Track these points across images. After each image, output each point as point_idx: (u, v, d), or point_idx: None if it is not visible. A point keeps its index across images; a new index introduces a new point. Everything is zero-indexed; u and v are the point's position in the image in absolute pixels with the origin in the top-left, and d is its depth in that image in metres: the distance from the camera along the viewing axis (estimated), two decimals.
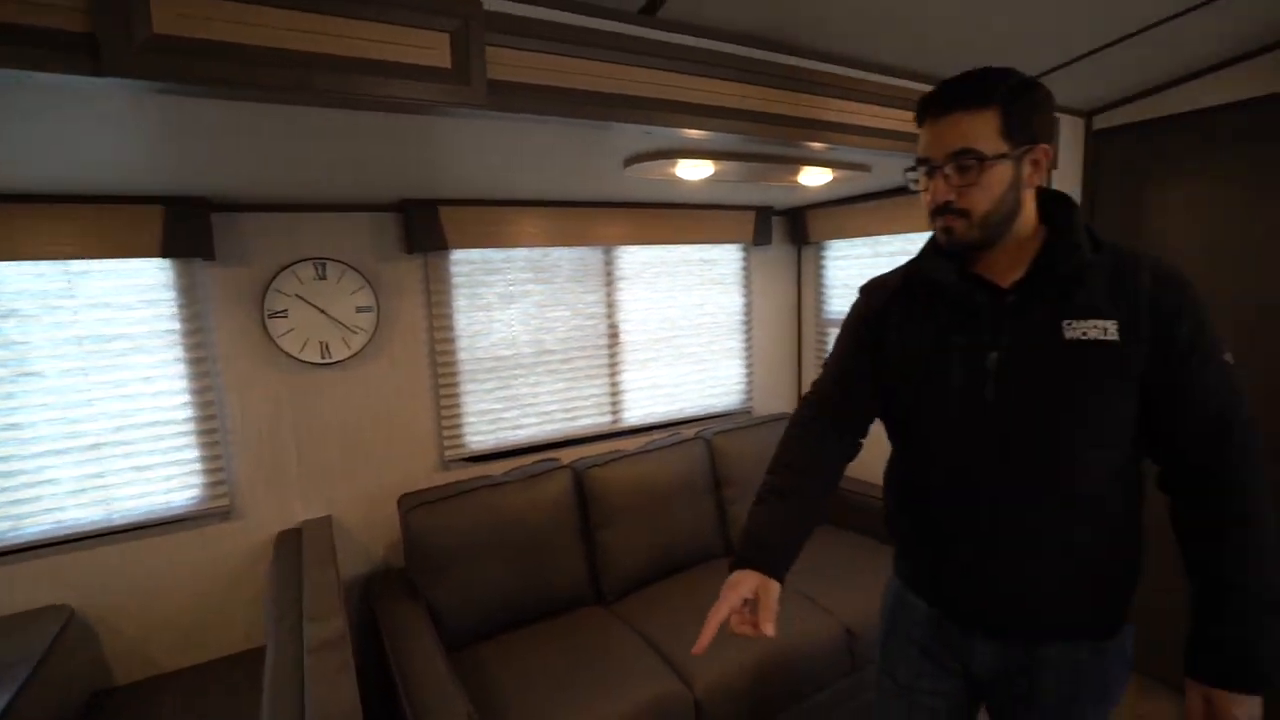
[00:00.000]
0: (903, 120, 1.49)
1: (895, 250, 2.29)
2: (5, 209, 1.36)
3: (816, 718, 1.69)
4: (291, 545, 1.67)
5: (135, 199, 1.48)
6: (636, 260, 2.27)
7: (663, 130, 1.25)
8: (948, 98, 0.83)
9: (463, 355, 1.97)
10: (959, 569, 0.92)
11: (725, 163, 1.57)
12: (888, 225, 2.20)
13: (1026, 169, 0.82)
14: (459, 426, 1.99)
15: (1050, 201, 0.89)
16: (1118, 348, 0.80)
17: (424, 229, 1.79)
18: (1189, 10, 1.42)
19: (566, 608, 1.84)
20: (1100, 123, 2.06)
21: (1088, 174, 2.10)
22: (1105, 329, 0.80)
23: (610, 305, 2.23)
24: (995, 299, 0.87)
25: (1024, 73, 0.83)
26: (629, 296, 2.26)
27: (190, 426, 1.65)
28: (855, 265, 2.46)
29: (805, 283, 2.68)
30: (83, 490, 1.55)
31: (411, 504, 1.73)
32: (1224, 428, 0.80)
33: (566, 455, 2.11)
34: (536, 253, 2.06)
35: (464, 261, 1.95)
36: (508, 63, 1.05)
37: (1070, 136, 2.01)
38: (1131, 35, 1.52)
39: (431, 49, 0.99)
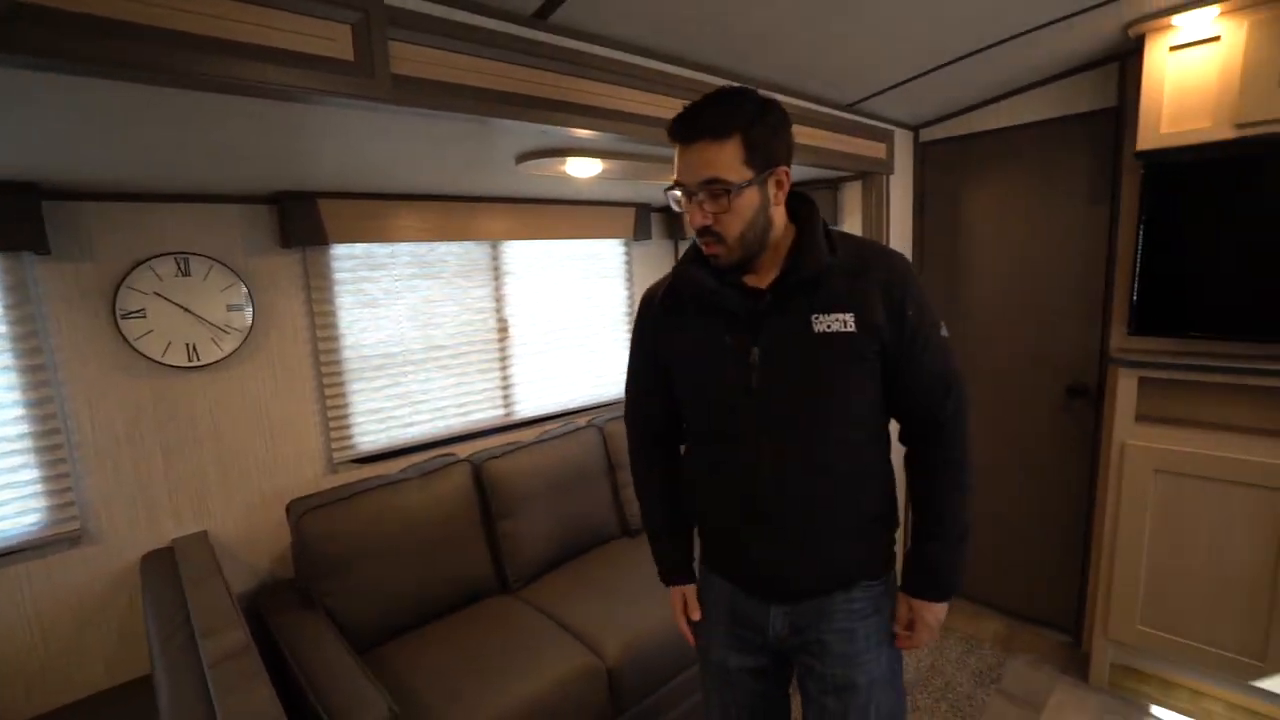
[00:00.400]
0: None
1: None
2: None
3: None
4: (164, 564, 1.53)
5: None
6: (524, 255, 2.30)
7: (557, 130, 1.31)
8: (693, 127, 0.89)
9: (348, 353, 1.90)
10: (743, 545, 1.03)
11: (614, 161, 1.66)
12: None
13: (771, 190, 0.92)
14: (347, 427, 1.92)
15: (799, 205, 0.99)
16: (856, 336, 0.92)
17: (301, 222, 1.71)
18: (998, 43, 1.73)
19: (473, 599, 1.86)
20: (925, 135, 2.41)
21: (917, 177, 2.44)
22: (845, 321, 0.92)
23: (499, 299, 2.24)
24: (754, 300, 0.96)
25: (761, 98, 0.91)
26: (517, 291, 2.29)
27: (27, 443, 1.46)
28: None
29: None
30: None
31: (301, 509, 1.65)
32: (944, 386, 0.97)
33: (461, 450, 2.10)
34: (422, 248, 2.03)
35: (346, 257, 1.88)
36: (410, 58, 1.07)
37: (903, 146, 2.34)
38: (949, 63, 1.82)
39: (332, 40, 0.98)
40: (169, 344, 1.60)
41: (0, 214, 1.33)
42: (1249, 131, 1.63)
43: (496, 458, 1.98)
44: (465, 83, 1.13)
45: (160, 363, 1.59)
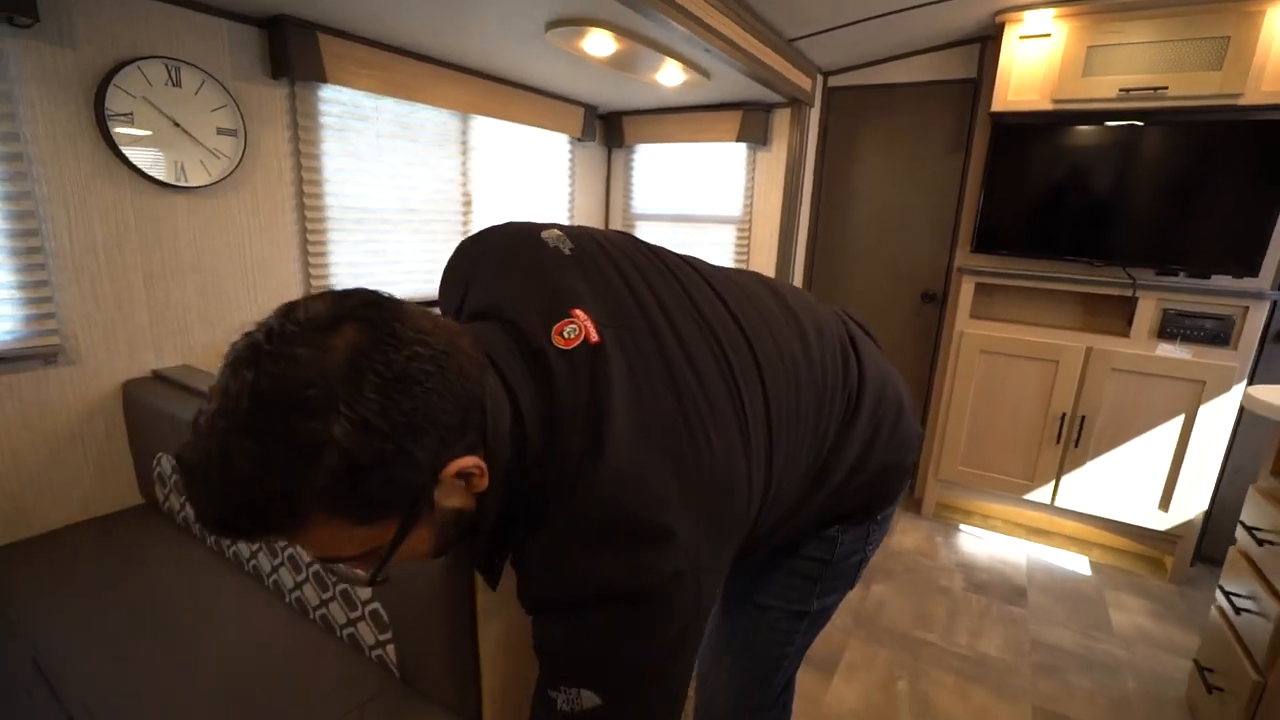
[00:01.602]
0: (729, 27, 1.92)
1: (696, 156, 2.84)
2: None
3: None
4: (146, 393, 1.46)
5: None
6: (487, 135, 2.36)
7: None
8: (218, 525, 0.45)
9: (330, 201, 1.87)
10: None
11: (629, 43, 1.84)
12: (694, 135, 2.72)
13: (448, 499, 0.52)
14: (326, 278, 1.90)
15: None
16: None
17: (299, 53, 1.65)
18: (907, 9, 2.19)
19: None
20: (833, 81, 2.87)
21: (822, 115, 2.91)
22: None
23: (465, 175, 2.30)
24: None
25: (335, 407, 0.43)
26: (480, 169, 2.35)
27: (1, 241, 1.30)
28: (657, 169, 2.95)
29: (614, 181, 3.07)
30: None
31: None
32: None
33: None
34: (404, 108, 2.02)
35: (334, 101, 1.83)
36: None
37: (816, 88, 2.78)
38: (869, 19, 2.25)
39: None
40: (157, 158, 1.49)
41: None
42: (1061, 106, 2.28)
43: None
44: None
45: (146, 175, 1.48)
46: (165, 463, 1.42)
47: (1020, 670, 1.83)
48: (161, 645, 1.08)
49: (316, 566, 1.09)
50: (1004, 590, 2.23)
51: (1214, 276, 2.21)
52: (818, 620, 0.91)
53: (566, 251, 0.64)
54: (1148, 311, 2.29)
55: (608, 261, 0.65)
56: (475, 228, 2.34)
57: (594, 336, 0.57)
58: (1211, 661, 1.58)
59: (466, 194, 2.31)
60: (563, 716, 0.55)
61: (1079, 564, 2.43)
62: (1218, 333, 2.20)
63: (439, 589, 0.89)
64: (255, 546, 1.23)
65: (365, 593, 1.01)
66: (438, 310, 0.70)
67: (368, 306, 0.47)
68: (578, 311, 0.58)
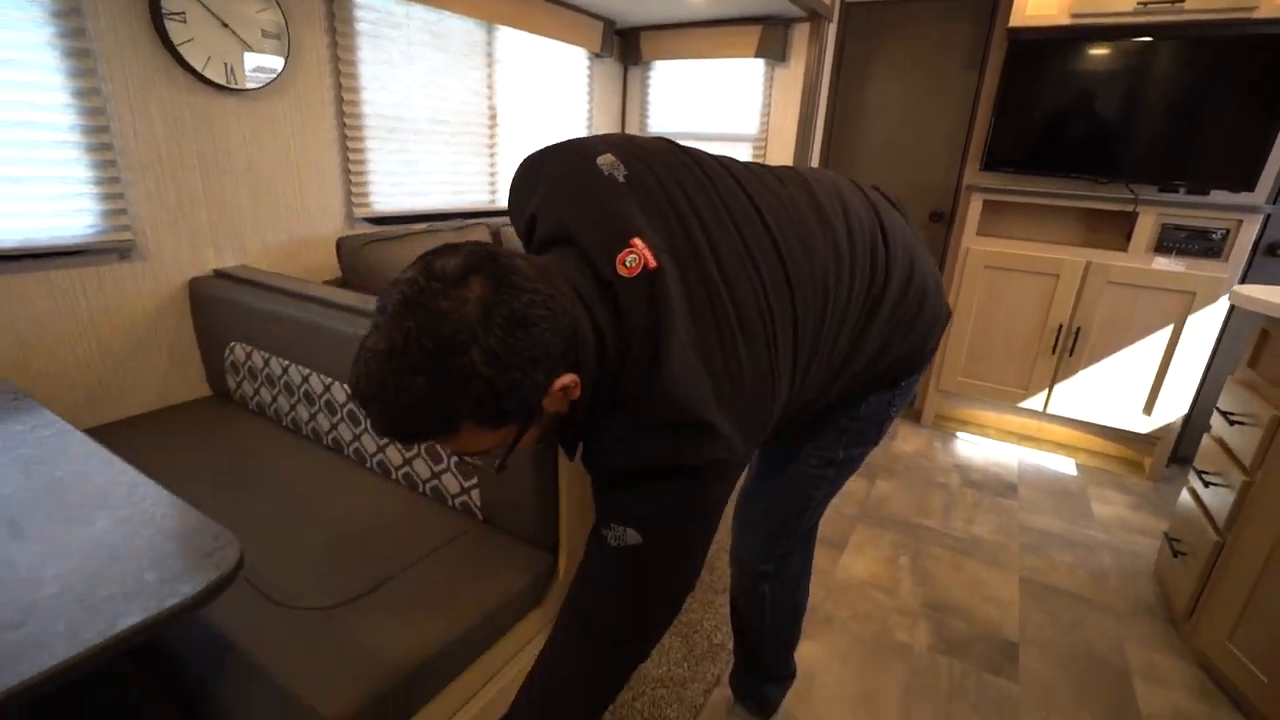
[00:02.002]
0: None
1: (713, 73, 2.85)
2: None
3: None
4: (215, 286, 1.56)
5: None
6: (511, 47, 2.37)
7: None
8: (391, 433, 0.59)
9: (366, 109, 1.92)
10: None
11: None
12: (711, 50, 2.73)
13: (551, 403, 0.64)
14: (365, 184, 1.97)
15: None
16: None
17: None
18: None
19: None
20: None
21: (840, 32, 2.91)
22: None
23: (490, 88, 2.32)
24: None
25: (472, 348, 0.55)
26: (504, 82, 2.38)
27: (76, 136, 1.37)
28: (674, 86, 2.96)
29: (631, 100, 3.08)
30: None
31: (360, 242, 1.74)
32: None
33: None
34: (433, 15, 2.04)
35: (368, 7, 1.85)
36: None
37: (835, 2, 2.77)
38: None
39: None
40: (209, 58, 1.53)
41: None
42: (1079, 21, 2.31)
43: (509, 226, 2.18)
44: None
45: (201, 75, 1.53)
46: (239, 351, 1.53)
47: (1009, 548, 2.03)
48: (257, 504, 1.21)
49: None
50: (996, 486, 2.43)
51: (1212, 192, 2.31)
52: (844, 469, 1.03)
53: (620, 179, 0.71)
54: (1147, 226, 2.40)
55: (657, 185, 0.72)
56: (501, 143, 2.40)
57: (652, 263, 0.66)
58: (1178, 533, 1.77)
59: (492, 107, 2.34)
60: (610, 550, 0.70)
61: (1066, 466, 2.62)
62: (1211, 246, 2.31)
63: None
64: (332, 421, 1.36)
65: None
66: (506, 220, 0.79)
67: (487, 261, 0.57)
68: (636, 241, 0.66)
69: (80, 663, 0.52)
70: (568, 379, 0.62)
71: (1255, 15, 2.08)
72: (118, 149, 1.43)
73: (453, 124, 2.19)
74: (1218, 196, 2.30)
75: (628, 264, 0.66)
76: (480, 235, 2.08)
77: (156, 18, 1.43)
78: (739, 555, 1.13)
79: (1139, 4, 2.21)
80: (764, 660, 1.24)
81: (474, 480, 1.14)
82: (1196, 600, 1.60)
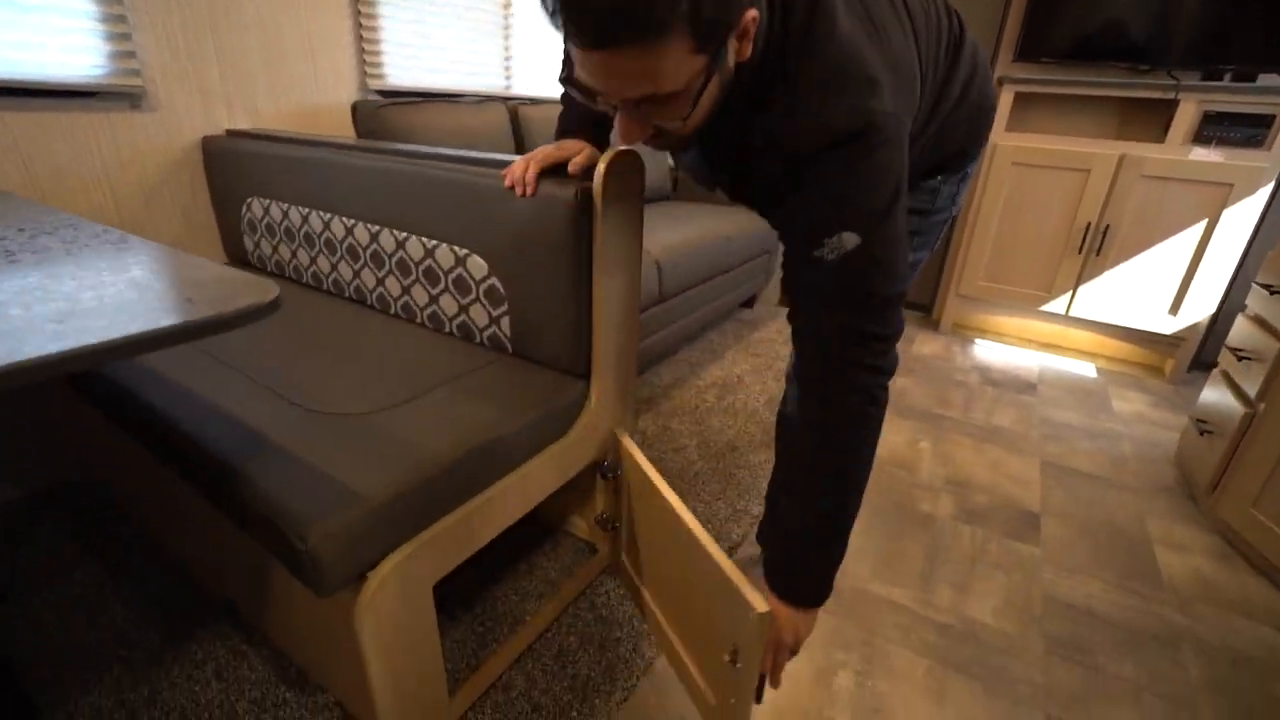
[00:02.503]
0: None
1: None
2: None
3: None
4: (229, 143, 1.51)
5: None
6: None
7: None
8: (602, 26, 0.54)
9: None
10: None
11: None
12: None
13: (734, 46, 0.63)
14: (379, 54, 1.89)
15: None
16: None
17: None
18: None
19: None
20: None
21: None
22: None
23: None
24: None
25: None
26: None
27: None
28: None
29: None
30: None
31: (373, 106, 1.69)
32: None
33: None
34: None
35: None
36: None
37: None
38: None
39: None
40: None
41: None
42: None
43: (525, 105, 2.10)
44: None
45: None
46: (256, 206, 1.50)
47: (1030, 437, 2.03)
48: (285, 350, 1.20)
49: (427, 263, 1.19)
50: (1016, 385, 2.41)
51: (1260, 77, 2.20)
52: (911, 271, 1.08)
53: None
54: (1187, 115, 2.30)
55: None
56: (515, 22, 2.29)
57: None
58: (1204, 414, 1.75)
59: None
60: (828, 265, 0.72)
61: (1086, 369, 2.60)
62: (1254, 135, 2.23)
63: (558, 247, 1.00)
64: (355, 267, 1.33)
65: (479, 271, 1.12)
66: None
67: None
68: None
69: (121, 346, 0.50)
70: (753, 12, 0.61)
71: None
72: None
73: (469, 4, 2.09)
74: (1267, 80, 2.19)
75: None
76: (498, 113, 2.02)
77: None
78: None
79: None
80: None
81: (503, 308, 1.12)
82: (1221, 474, 1.60)
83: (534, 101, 2.44)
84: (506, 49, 2.31)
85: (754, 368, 2.31)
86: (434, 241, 1.16)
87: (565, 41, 0.58)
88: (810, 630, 0.90)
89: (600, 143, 1.05)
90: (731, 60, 0.64)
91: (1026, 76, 2.50)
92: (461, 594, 1.22)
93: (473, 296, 1.15)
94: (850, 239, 0.70)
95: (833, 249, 0.71)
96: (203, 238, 1.63)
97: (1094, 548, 1.53)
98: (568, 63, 0.66)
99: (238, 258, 1.64)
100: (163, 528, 1.25)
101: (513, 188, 1.00)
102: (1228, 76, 2.25)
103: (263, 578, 0.96)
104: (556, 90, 2.56)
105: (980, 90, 0.98)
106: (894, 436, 1.98)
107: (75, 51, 1.32)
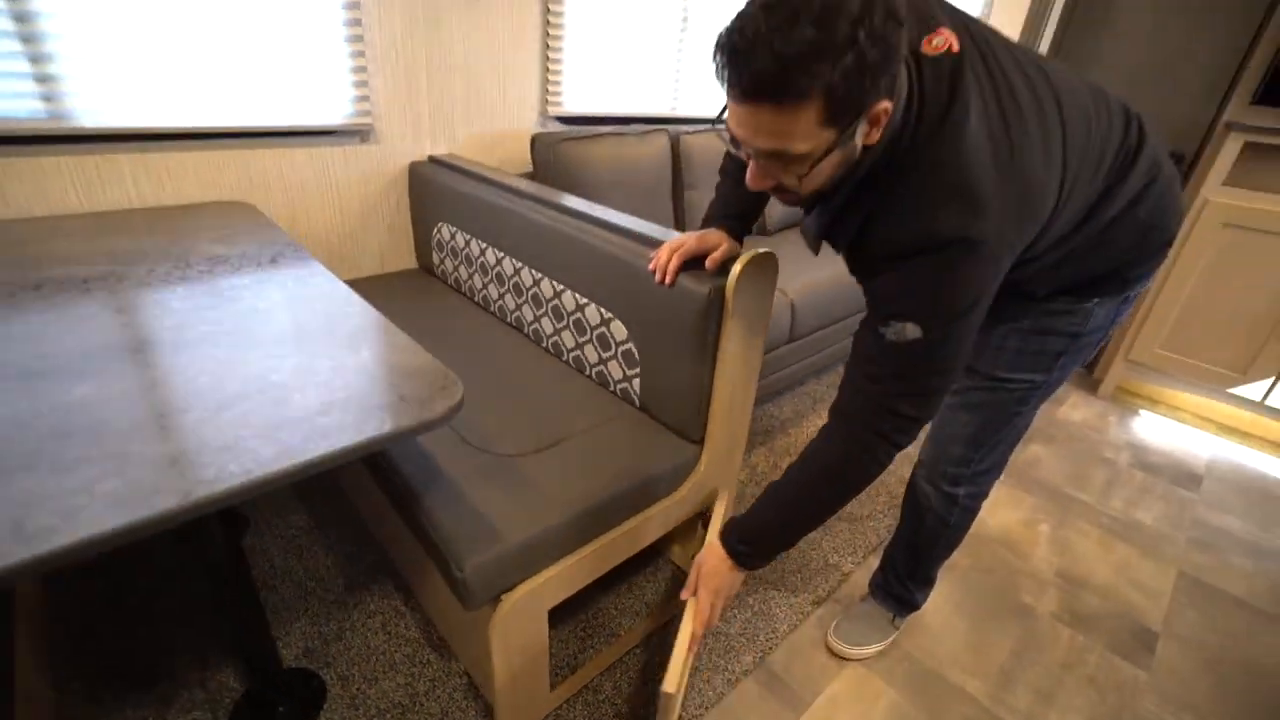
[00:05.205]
0: None
1: None
2: None
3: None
4: (430, 170, 1.77)
5: None
6: None
7: None
8: (753, 83, 0.64)
9: (566, 14, 1.98)
10: None
11: None
12: None
13: (861, 133, 0.69)
14: (560, 86, 2.07)
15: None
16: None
17: None
18: None
19: None
20: None
21: None
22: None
23: None
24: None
25: (861, 8, 0.60)
26: None
27: (342, 30, 1.58)
28: None
29: None
30: (247, 88, 1.48)
31: (555, 139, 1.88)
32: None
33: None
34: None
35: None
36: None
37: None
38: None
39: None
40: None
41: None
42: None
43: (688, 134, 2.21)
44: None
45: None
46: (445, 230, 1.76)
47: (1175, 540, 1.87)
48: (455, 363, 1.43)
49: (577, 315, 1.36)
50: (1175, 474, 2.19)
51: None
52: (1050, 389, 1.08)
53: None
54: None
55: (947, 6, 0.81)
56: (687, 48, 2.37)
57: (955, 47, 0.74)
58: None
59: (685, 14, 2.31)
60: (890, 346, 0.80)
61: (1272, 466, 2.29)
62: None
63: (690, 332, 1.12)
64: (518, 302, 1.54)
65: (620, 334, 1.27)
66: None
67: None
68: (943, 29, 0.75)
69: (363, 447, 0.70)
70: (885, 104, 0.67)
71: None
72: (367, 42, 1.64)
73: (644, 33, 2.20)
74: None
75: (934, 44, 0.74)
76: (660, 142, 2.14)
77: None
78: (938, 457, 1.21)
79: None
80: (923, 561, 1.35)
81: (636, 369, 1.27)
82: None
83: (695, 122, 2.53)
84: (677, 71, 2.40)
85: None
86: (585, 299, 1.33)
87: (725, 91, 0.68)
88: (734, 587, 1.02)
89: (740, 235, 1.14)
90: (859, 141, 0.70)
91: (1262, 125, 2.17)
92: (571, 601, 1.44)
93: (611, 353, 1.31)
94: (913, 330, 0.78)
95: (895, 332, 0.79)
96: (402, 247, 1.93)
97: (1216, 686, 1.43)
98: (731, 138, 0.76)
99: (425, 266, 1.94)
100: (363, 509, 1.57)
101: (654, 272, 1.13)
102: None
103: (426, 572, 1.21)
104: (715, 110, 2.62)
105: (1153, 208, 0.93)
106: (1009, 512, 1.91)
107: (331, 101, 1.62)
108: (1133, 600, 1.64)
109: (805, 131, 0.66)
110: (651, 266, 1.14)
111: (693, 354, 1.14)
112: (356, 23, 1.60)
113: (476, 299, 1.74)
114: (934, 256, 0.75)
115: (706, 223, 1.16)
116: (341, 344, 0.90)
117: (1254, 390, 2.31)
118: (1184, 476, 2.18)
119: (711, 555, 1.01)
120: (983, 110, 0.74)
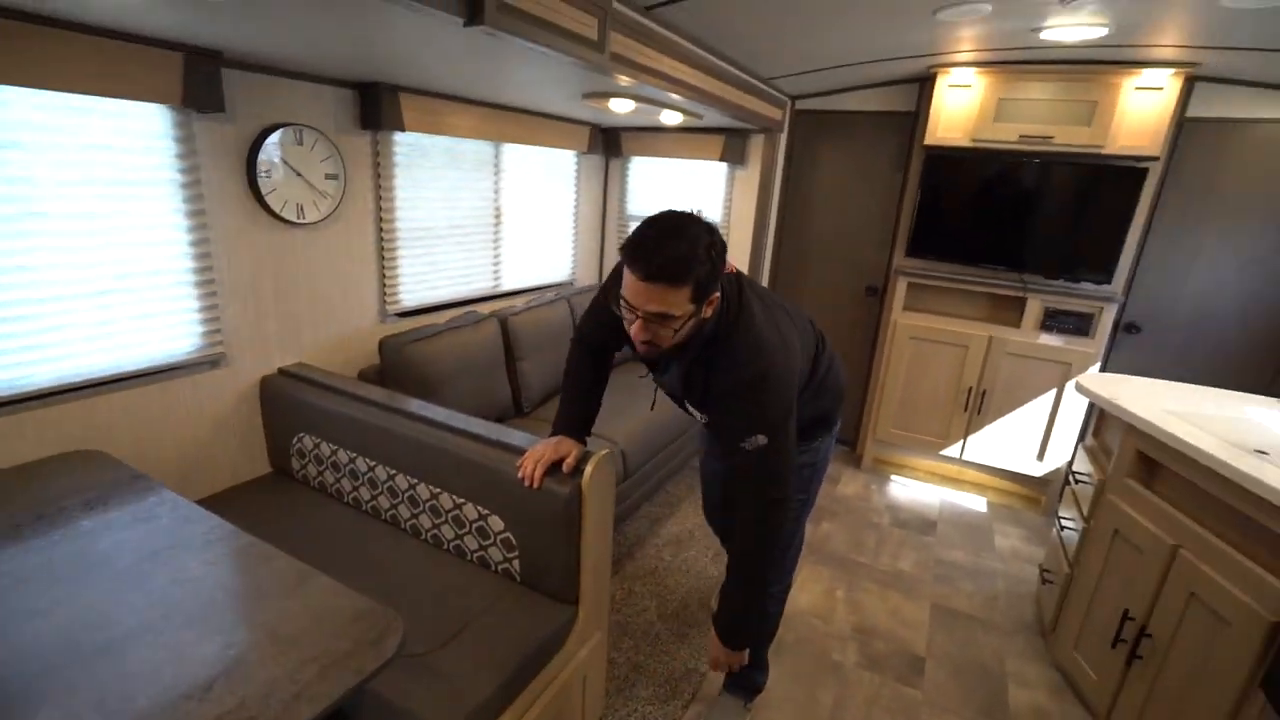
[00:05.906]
0: (719, 86, 2.38)
1: (683, 169, 3.32)
2: (31, 29, 1.29)
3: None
4: (282, 384, 1.92)
5: (153, 41, 1.48)
6: (514, 157, 2.79)
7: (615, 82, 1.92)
8: (655, 270, 1.06)
9: (399, 224, 2.30)
10: None
11: (644, 103, 2.30)
12: (682, 152, 3.19)
13: (705, 311, 1.16)
14: (397, 285, 2.34)
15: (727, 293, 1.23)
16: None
17: (387, 109, 2.06)
18: (866, 62, 2.70)
19: (499, 419, 2.49)
20: (800, 105, 3.37)
21: (790, 136, 3.42)
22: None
23: (496, 192, 2.73)
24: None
25: (709, 239, 1.09)
26: (507, 185, 2.79)
27: (190, 276, 1.72)
28: (649, 178, 3.42)
29: (611, 187, 3.53)
30: (92, 339, 1.55)
31: (401, 342, 2.12)
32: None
33: (480, 308, 2.62)
34: (452, 141, 2.44)
35: (404, 143, 2.24)
36: None
37: (785, 115, 3.27)
38: (834, 67, 2.76)
39: None
40: (285, 202, 1.90)
41: (196, 75, 1.54)
42: (978, 144, 2.86)
43: (514, 314, 2.58)
44: (560, 24, 1.40)
45: (279, 217, 1.89)
46: (307, 440, 1.89)
47: (924, 580, 2.52)
48: (347, 572, 1.57)
49: (455, 513, 1.60)
50: (919, 524, 2.92)
51: (1082, 282, 2.87)
52: (805, 508, 1.66)
53: None
54: (1034, 309, 2.95)
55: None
56: (504, 236, 2.80)
57: (735, 270, 1.29)
58: (1048, 564, 2.27)
59: (497, 208, 2.74)
60: (748, 454, 1.19)
61: (978, 503, 3.15)
62: (1081, 326, 2.87)
63: (559, 523, 1.43)
64: (393, 502, 1.73)
65: (498, 526, 1.54)
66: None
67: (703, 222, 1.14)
68: (730, 262, 1.22)
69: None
70: (717, 293, 1.16)
71: (1104, 151, 2.65)
72: (218, 281, 1.79)
73: (465, 227, 2.58)
74: (1086, 287, 2.86)
75: (729, 268, 1.23)
76: (490, 328, 2.48)
77: (250, 176, 1.79)
78: None
79: (1021, 137, 2.76)
80: (756, 651, 1.73)
81: (515, 552, 1.54)
82: (1056, 618, 2.10)
83: (518, 294, 2.93)
84: (496, 256, 2.80)
85: (702, 522, 2.76)
86: (461, 499, 1.59)
87: (626, 271, 1.10)
88: (736, 658, 1.41)
89: (585, 439, 1.51)
90: (706, 314, 1.16)
91: (914, 270, 3.13)
92: None
93: (491, 541, 1.57)
94: (761, 439, 1.18)
95: (752, 444, 1.18)
96: (253, 453, 2.00)
97: (963, 688, 1.98)
98: (592, 313, 1.47)
99: (279, 468, 2.02)
100: None
101: (523, 479, 1.44)
102: (1061, 280, 2.91)
103: None
104: (533, 281, 3.08)
105: (835, 376, 1.57)
106: (814, 586, 2.43)
107: (180, 338, 1.73)
108: (905, 636, 2.19)
109: (680, 303, 1.09)
110: (521, 475, 1.44)
111: (563, 537, 1.45)
112: (208, 268, 1.76)
113: (346, 500, 1.87)
114: (758, 385, 1.19)
115: (556, 431, 1.51)
116: (271, 605, 1.07)
117: (953, 450, 3.19)
118: (925, 525, 2.91)
119: (714, 645, 1.42)
120: (759, 303, 1.27)
